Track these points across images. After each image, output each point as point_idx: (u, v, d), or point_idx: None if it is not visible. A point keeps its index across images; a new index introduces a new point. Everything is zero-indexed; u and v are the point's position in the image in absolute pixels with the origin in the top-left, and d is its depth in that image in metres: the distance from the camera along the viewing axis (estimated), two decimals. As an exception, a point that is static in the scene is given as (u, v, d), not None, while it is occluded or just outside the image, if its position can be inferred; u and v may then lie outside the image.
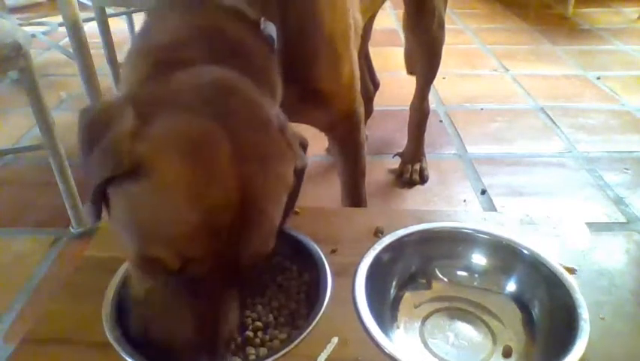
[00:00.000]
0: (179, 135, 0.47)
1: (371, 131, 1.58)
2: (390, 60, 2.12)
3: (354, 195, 0.97)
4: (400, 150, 1.45)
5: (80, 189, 1.20)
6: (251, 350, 0.56)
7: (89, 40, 1.33)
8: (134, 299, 0.54)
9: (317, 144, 1.54)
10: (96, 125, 0.50)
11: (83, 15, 1.33)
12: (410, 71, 1.33)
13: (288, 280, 0.65)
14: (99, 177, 0.47)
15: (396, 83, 1.81)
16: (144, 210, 0.47)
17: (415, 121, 1.39)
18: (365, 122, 1.53)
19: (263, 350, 0.56)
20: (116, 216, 0.50)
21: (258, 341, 0.57)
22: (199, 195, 0.45)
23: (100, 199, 0.50)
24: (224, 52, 0.56)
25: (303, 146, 0.58)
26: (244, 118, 0.50)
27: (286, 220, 0.61)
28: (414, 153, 1.40)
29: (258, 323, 0.59)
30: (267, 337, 0.58)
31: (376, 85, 1.54)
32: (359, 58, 1.41)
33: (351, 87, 0.80)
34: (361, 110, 0.87)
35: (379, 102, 1.61)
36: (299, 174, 0.56)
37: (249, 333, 0.58)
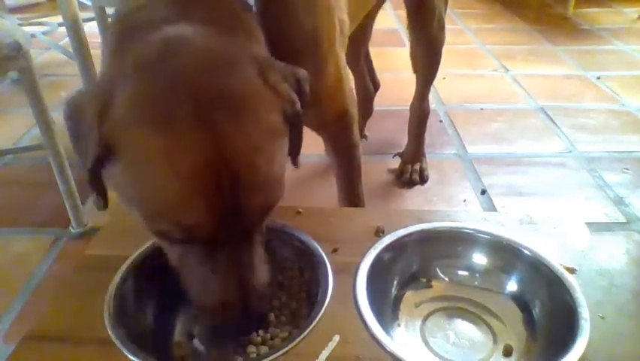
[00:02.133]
0: (137, 108, 0.46)
1: (371, 132, 1.59)
2: (390, 60, 2.12)
3: (351, 196, 0.95)
4: (400, 150, 1.45)
5: (80, 189, 1.20)
6: (252, 349, 0.56)
7: (89, 40, 1.33)
8: (172, 266, 0.54)
9: (317, 143, 1.54)
10: (75, 115, 0.50)
11: (82, 15, 1.33)
12: (415, 70, 1.33)
13: (290, 279, 0.65)
14: (85, 165, 0.48)
15: (396, 83, 1.81)
16: (131, 189, 0.48)
17: (415, 121, 1.39)
18: (365, 122, 1.54)
19: (264, 349, 0.56)
20: (119, 197, 0.51)
21: (259, 339, 0.57)
22: (173, 163, 0.44)
23: (98, 185, 0.50)
24: (189, 8, 0.53)
25: (300, 82, 0.55)
26: (203, 70, 0.47)
27: (297, 163, 0.59)
28: (414, 153, 1.40)
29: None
30: (268, 335, 0.58)
31: (376, 85, 1.54)
32: (359, 58, 1.42)
33: (339, 87, 0.79)
34: (353, 110, 0.85)
35: (379, 102, 1.61)
36: (293, 118, 0.53)
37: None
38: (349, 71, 0.80)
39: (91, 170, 0.48)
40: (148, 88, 0.47)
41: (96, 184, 0.50)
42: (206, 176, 0.45)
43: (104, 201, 0.53)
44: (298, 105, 0.53)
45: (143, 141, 0.45)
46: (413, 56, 1.27)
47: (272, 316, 0.60)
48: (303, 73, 0.56)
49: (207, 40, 0.50)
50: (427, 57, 1.27)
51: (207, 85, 0.46)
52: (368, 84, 1.50)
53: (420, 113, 1.38)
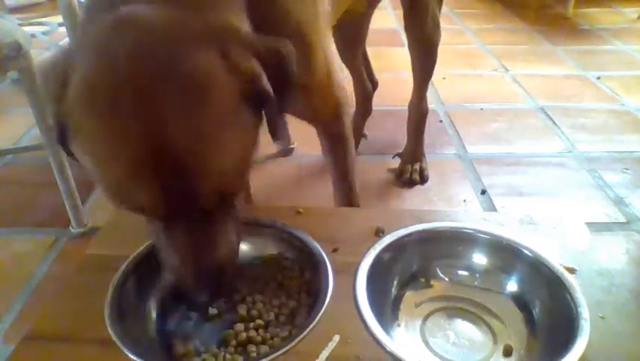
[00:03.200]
0: (85, 90, 0.46)
1: (371, 131, 1.59)
2: (390, 60, 2.12)
3: (344, 193, 0.93)
4: (400, 150, 1.45)
5: (80, 189, 1.20)
6: (252, 348, 0.56)
7: (89, 40, 1.33)
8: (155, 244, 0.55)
9: (317, 143, 1.54)
10: (43, 83, 0.53)
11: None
12: (412, 69, 1.33)
13: (289, 279, 0.65)
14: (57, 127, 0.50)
15: (396, 83, 1.81)
16: (87, 166, 0.49)
17: (414, 121, 1.39)
18: (364, 122, 1.54)
19: (264, 348, 0.56)
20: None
21: (259, 338, 0.57)
22: (114, 147, 0.45)
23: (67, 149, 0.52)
24: None
25: (282, 58, 0.52)
26: (147, 51, 0.45)
27: (276, 138, 0.55)
28: (413, 152, 1.40)
29: (260, 321, 0.59)
30: (268, 335, 0.58)
31: (374, 84, 1.54)
32: (356, 58, 1.42)
33: (329, 78, 0.77)
34: (344, 101, 0.84)
35: (379, 102, 1.61)
36: (259, 97, 0.50)
37: (251, 331, 0.58)
38: (341, 63, 0.78)
39: (57, 138, 0.50)
40: (95, 70, 0.47)
41: (65, 149, 0.52)
42: (145, 162, 0.44)
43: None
44: (263, 81, 0.50)
45: (88, 124, 0.46)
46: (411, 54, 1.27)
47: (272, 315, 0.60)
48: (287, 48, 0.52)
49: (158, 19, 0.48)
50: (422, 56, 1.27)
51: (150, 67, 0.45)
52: (366, 83, 1.50)
53: (418, 113, 1.38)
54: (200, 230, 0.51)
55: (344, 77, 0.85)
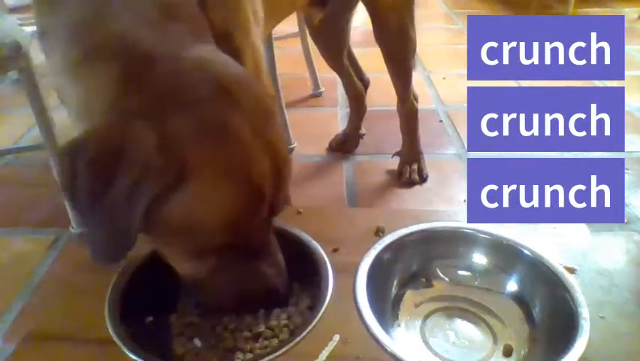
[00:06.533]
0: (202, 128, 0.47)
1: (370, 132, 1.59)
2: (389, 60, 2.11)
3: None
4: (399, 149, 1.45)
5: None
6: (255, 346, 0.56)
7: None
8: (193, 284, 0.57)
9: (317, 143, 1.54)
10: (105, 158, 0.45)
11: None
12: (391, 77, 1.32)
13: (290, 279, 0.65)
14: (143, 202, 0.45)
15: (395, 83, 1.81)
16: (202, 207, 0.48)
17: (404, 122, 1.39)
18: (360, 121, 1.54)
19: (265, 348, 0.56)
20: (164, 228, 0.50)
21: (259, 338, 0.57)
22: (246, 174, 0.48)
23: (133, 232, 0.47)
24: (152, 12, 0.53)
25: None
26: (239, 88, 0.51)
27: None
28: (410, 152, 1.40)
29: (260, 321, 0.59)
30: (269, 334, 0.58)
31: (365, 83, 1.53)
32: (342, 61, 1.42)
33: (257, 77, 0.77)
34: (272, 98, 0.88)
35: (379, 102, 1.61)
36: None
37: (252, 330, 0.58)
38: (264, 63, 0.80)
39: (143, 210, 0.46)
40: (206, 112, 0.48)
41: (136, 230, 0.47)
42: (267, 183, 0.50)
43: (130, 249, 0.49)
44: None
45: (218, 158, 0.47)
46: (385, 65, 1.25)
47: (272, 315, 0.60)
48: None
49: (221, 57, 0.54)
50: (395, 67, 1.25)
51: (249, 104, 0.51)
52: (356, 83, 1.49)
53: (406, 114, 1.37)
54: (273, 239, 0.57)
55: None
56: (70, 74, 0.53)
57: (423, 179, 1.37)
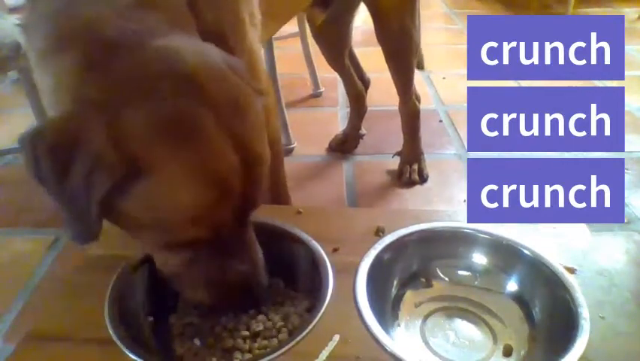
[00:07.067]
0: (159, 123, 0.46)
1: (370, 132, 1.59)
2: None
3: (274, 185, 0.92)
4: (400, 149, 1.45)
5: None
6: (254, 345, 0.56)
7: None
8: (168, 276, 0.57)
9: (317, 143, 1.54)
10: (62, 147, 0.46)
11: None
12: (392, 77, 1.32)
13: (290, 279, 0.65)
14: (98, 193, 0.45)
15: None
16: (161, 204, 0.47)
17: (406, 121, 1.39)
18: (361, 121, 1.54)
19: (264, 348, 0.56)
20: (128, 220, 0.50)
21: (259, 338, 0.57)
22: (207, 171, 0.47)
23: (97, 217, 0.48)
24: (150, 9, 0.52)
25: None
26: (208, 80, 0.48)
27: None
28: (411, 152, 1.40)
29: (260, 321, 0.59)
30: (269, 334, 0.58)
31: (366, 83, 1.53)
32: (343, 61, 1.42)
33: (253, 78, 0.79)
34: (272, 100, 0.88)
35: (379, 102, 1.61)
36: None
37: (252, 330, 0.58)
38: (262, 64, 0.79)
39: (102, 197, 0.46)
40: (165, 104, 0.46)
41: (96, 216, 0.48)
42: (234, 177, 0.48)
43: (97, 231, 0.50)
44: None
45: (174, 153, 0.46)
46: (387, 64, 1.25)
47: (272, 314, 0.60)
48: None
49: (196, 47, 0.52)
50: (396, 66, 1.25)
51: (217, 96, 0.48)
52: (357, 83, 1.49)
53: (407, 114, 1.37)
54: (249, 233, 0.56)
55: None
56: (42, 64, 0.53)
57: (423, 179, 1.37)
